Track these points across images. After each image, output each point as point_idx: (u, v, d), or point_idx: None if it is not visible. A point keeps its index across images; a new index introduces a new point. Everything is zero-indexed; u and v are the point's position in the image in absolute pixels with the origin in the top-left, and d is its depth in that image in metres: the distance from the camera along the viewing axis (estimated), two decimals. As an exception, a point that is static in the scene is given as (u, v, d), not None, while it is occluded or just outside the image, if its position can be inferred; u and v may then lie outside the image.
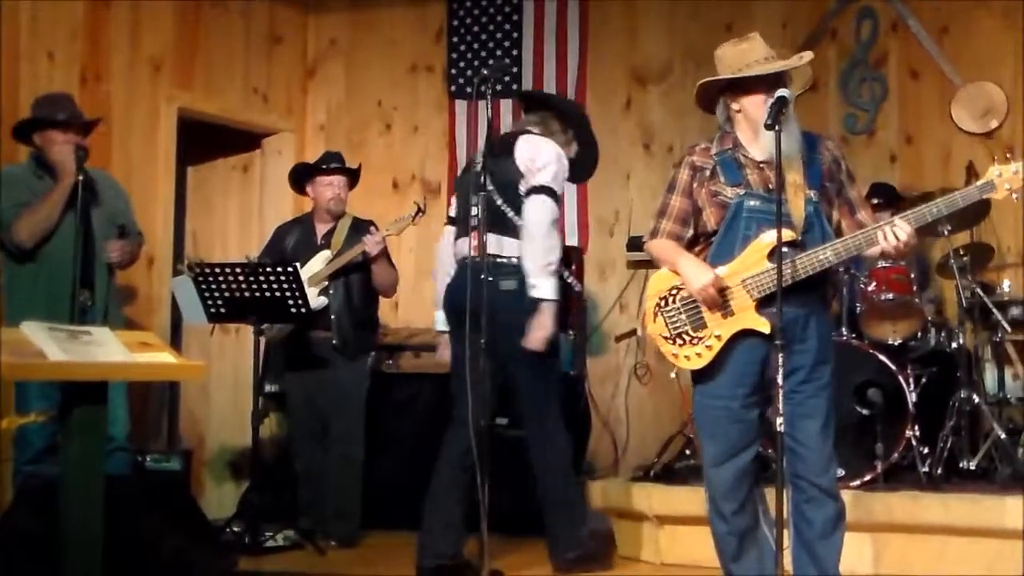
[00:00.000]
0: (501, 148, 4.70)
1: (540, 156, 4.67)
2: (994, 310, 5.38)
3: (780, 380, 3.36)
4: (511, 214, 4.65)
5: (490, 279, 4.45)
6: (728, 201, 3.62)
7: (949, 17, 6.34)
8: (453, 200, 5.04)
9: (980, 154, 6.07)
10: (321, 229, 5.87)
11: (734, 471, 3.66)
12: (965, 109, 6.24)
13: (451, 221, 4.96)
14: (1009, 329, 5.46)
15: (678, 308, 3.65)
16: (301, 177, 5.93)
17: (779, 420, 3.35)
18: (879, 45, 6.48)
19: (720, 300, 3.57)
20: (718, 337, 3.60)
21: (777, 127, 3.43)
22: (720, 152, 3.68)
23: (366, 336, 5.85)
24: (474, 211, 4.56)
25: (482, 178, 4.43)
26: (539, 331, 4.61)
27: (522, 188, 4.65)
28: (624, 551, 5.36)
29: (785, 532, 3.57)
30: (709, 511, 3.75)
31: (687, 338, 3.64)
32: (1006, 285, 5.78)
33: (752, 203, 3.59)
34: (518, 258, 4.62)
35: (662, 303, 3.68)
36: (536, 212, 4.60)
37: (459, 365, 4.52)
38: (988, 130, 6.21)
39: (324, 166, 5.85)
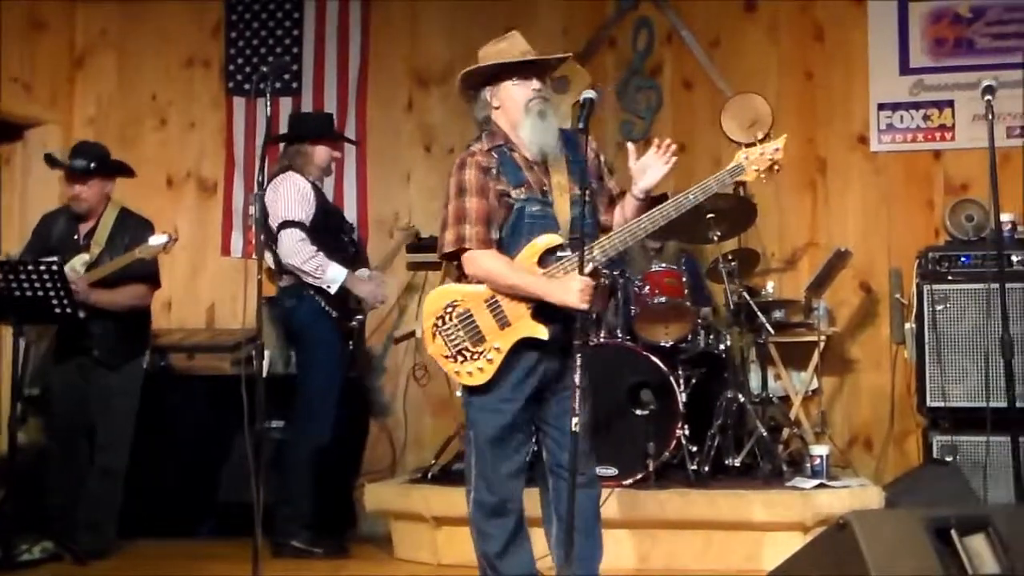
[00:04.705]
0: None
1: (276, 200, 5.32)
2: (759, 313, 5.60)
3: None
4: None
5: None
6: (513, 203, 3.60)
7: (720, 30, 6.58)
8: None
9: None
10: (84, 226, 5.58)
11: (514, 469, 3.66)
12: (734, 119, 6.48)
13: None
14: (772, 331, 5.71)
15: (456, 324, 3.60)
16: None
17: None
18: (655, 55, 6.67)
19: (502, 310, 3.55)
20: (498, 349, 3.57)
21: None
22: (495, 148, 3.66)
23: (133, 343, 5.58)
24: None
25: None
26: (372, 300, 5.56)
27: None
28: (401, 553, 5.33)
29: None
30: (483, 509, 3.70)
31: (468, 354, 3.59)
32: (770, 287, 6.05)
33: (531, 208, 3.59)
34: (287, 285, 5.39)
35: (439, 323, 3.62)
36: (284, 244, 5.28)
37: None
38: (754, 140, 6.44)
39: (67, 166, 5.55)
